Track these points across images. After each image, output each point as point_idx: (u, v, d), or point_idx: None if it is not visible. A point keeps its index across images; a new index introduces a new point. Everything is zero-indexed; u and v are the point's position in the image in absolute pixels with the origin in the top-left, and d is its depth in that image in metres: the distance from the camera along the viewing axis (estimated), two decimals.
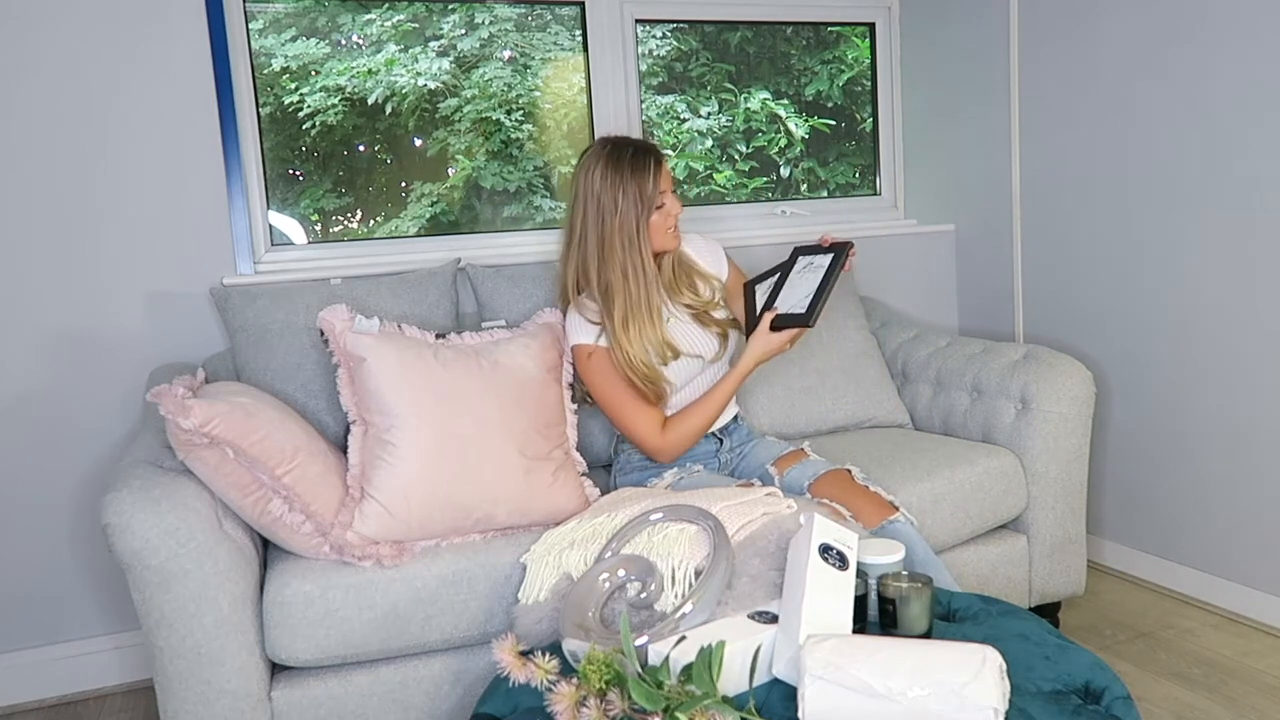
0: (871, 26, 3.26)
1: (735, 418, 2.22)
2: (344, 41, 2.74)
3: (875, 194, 3.33)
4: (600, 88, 2.88)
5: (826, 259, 2.03)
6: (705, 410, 2.04)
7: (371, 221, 2.83)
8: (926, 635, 1.43)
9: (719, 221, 3.07)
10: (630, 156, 2.00)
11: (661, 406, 2.06)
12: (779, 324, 2.00)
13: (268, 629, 1.70)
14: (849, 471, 2.02)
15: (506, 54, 2.88)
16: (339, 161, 2.77)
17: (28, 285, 2.29)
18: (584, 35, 2.88)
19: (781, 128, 3.25)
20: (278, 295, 2.17)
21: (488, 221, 2.90)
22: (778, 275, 2.11)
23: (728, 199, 3.18)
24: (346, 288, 2.21)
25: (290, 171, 2.72)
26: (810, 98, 3.27)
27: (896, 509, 1.92)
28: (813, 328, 1.97)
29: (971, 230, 3.10)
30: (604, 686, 1.22)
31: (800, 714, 1.19)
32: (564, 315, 2.09)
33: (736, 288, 2.22)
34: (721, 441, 2.17)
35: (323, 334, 1.92)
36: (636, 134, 2.93)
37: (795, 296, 2.02)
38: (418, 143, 2.84)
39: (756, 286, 2.15)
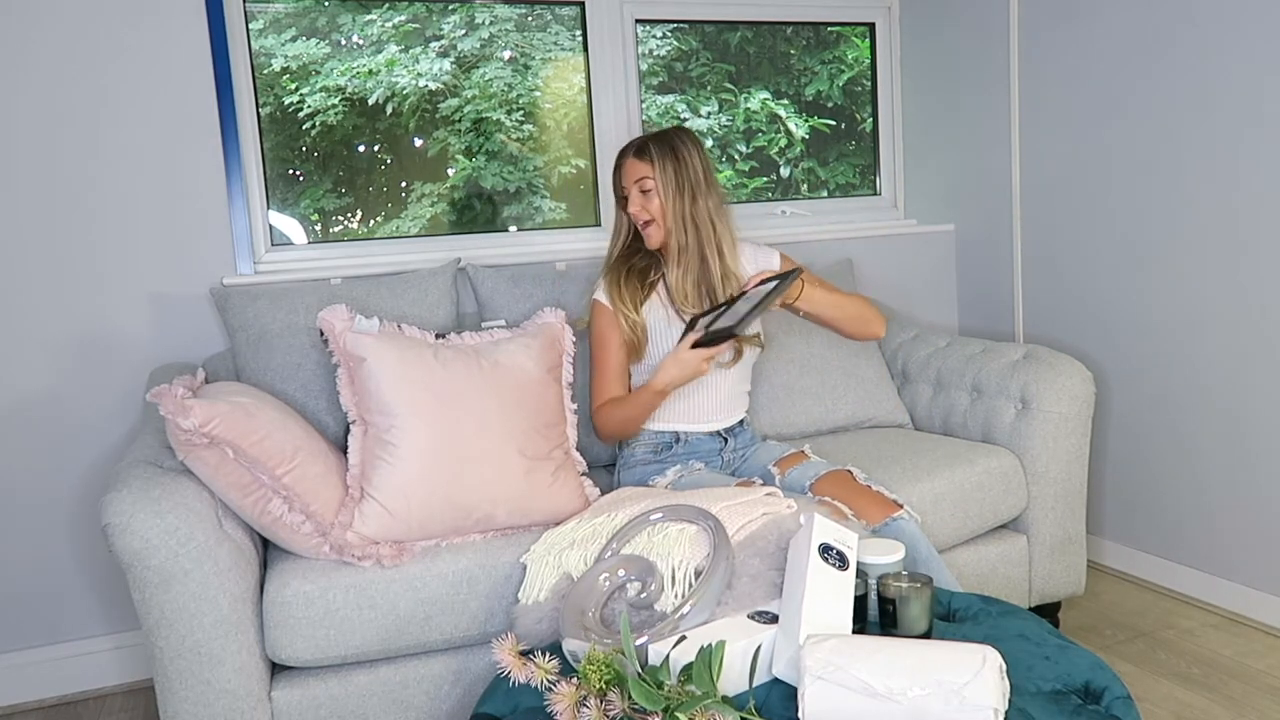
0: (871, 26, 3.26)
1: (741, 421, 2.23)
2: (344, 42, 2.74)
3: (875, 194, 3.33)
4: (600, 88, 2.88)
5: (770, 285, 2.00)
6: (628, 409, 2.08)
7: (371, 221, 2.83)
8: (926, 635, 1.43)
9: None
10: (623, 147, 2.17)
11: (626, 383, 2.15)
12: (705, 342, 1.96)
13: (268, 629, 1.70)
14: (850, 472, 2.02)
15: (507, 54, 2.88)
16: (339, 161, 2.77)
17: (28, 285, 2.29)
18: (584, 35, 2.88)
19: (781, 128, 3.25)
20: (278, 295, 2.17)
21: (488, 221, 2.90)
22: (724, 306, 2.07)
23: (728, 199, 3.18)
24: (346, 288, 2.21)
25: (290, 171, 2.72)
26: (810, 98, 3.26)
27: (900, 506, 1.92)
28: (740, 337, 1.96)
29: (971, 230, 3.10)
30: (604, 686, 1.22)
31: (800, 714, 1.19)
32: None
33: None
34: (726, 441, 2.18)
35: (322, 334, 1.92)
36: (636, 133, 2.93)
37: (732, 319, 2.00)
38: (418, 143, 2.84)
39: (701, 319, 2.07)
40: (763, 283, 2.03)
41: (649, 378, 2.05)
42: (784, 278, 1.98)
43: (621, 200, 2.16)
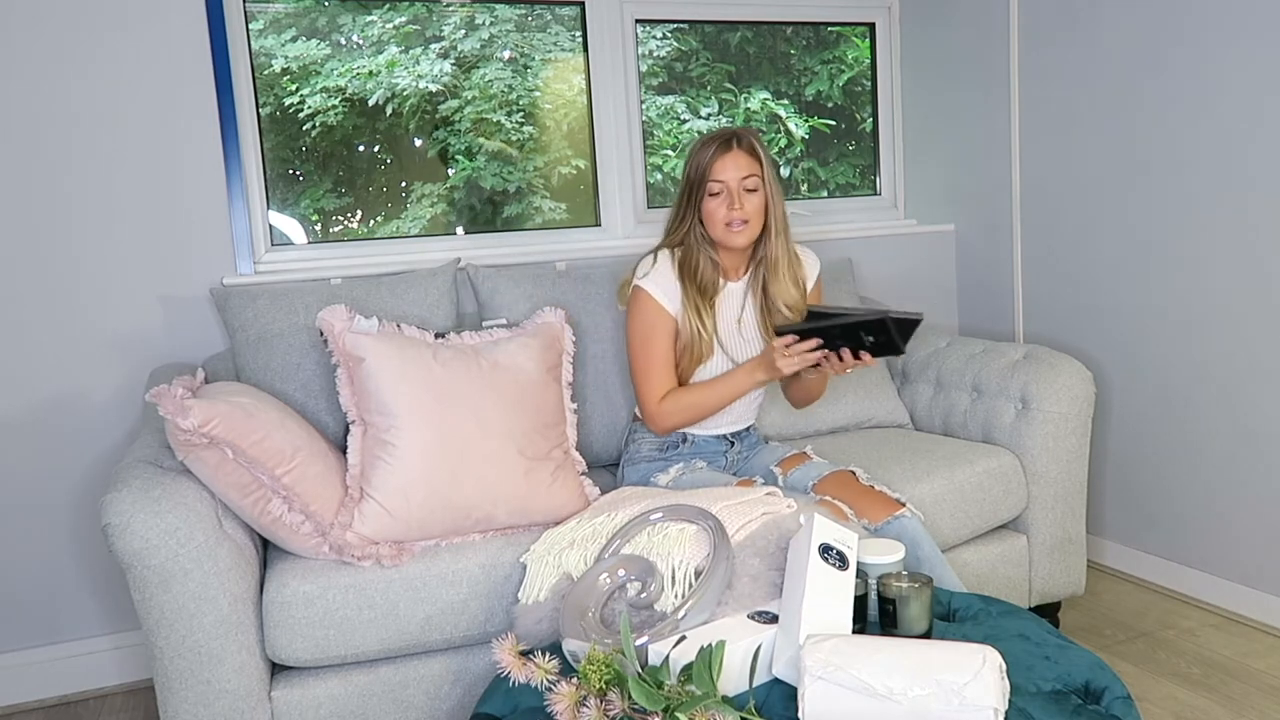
0: (871, 26, 3.26)
1: (749, 427, 2.23)
2: (344, 42, 2.74)
3: (875, 194, 3.33)
4: (600, 88, 2.88)
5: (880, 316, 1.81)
6: (707, 396, 2.04)
7: (371, 221, 2.83)
8: (926, 635, 1.43)
9: None
10: (714, 136, 2.04)
11: (679, 375, 2.08)
12: (805, 333, 1.88)
13: (267, 629, 1.70)
14: (853, 473, 2.02)
15: (507, 54, 2.88)
16: (339, 162, 2.77)
17: (27, 286, 2.29)
18: (584, 35, 2.88)
19: (781, 128, 3.25)
20: (278, 295, 2.17)
21: (487, 221, 2.90)
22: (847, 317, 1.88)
23: None
24: (346, 288, 2.21)
25: (290, 171, 2.72)
26: (810, 98, 3.26)
27: (902, 505, 1.91)
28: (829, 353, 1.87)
29: (971, 230, 3.10)
30: (604, 686, 1.22)
31: (800, 714, 1.19)
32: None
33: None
34: (732, 444, 2.18)
35: (322, 334, 1.92)
36: (636, 133, 2.94)
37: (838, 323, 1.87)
38: (418, 143, 2.84)
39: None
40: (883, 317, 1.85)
41: (731, 370, 2.05)
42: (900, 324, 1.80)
43: (710, 195, 2.01)
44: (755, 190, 2.01)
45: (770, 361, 1.94)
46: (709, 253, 2.06)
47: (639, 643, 1.34)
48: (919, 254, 3.14)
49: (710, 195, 2.01)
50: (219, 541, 1.64)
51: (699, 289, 2.04)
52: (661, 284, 2.04)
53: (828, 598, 1.36)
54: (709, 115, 3.15)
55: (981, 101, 2.97)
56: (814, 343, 1.88)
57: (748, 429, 2.23)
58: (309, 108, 2.69)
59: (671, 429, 2.09)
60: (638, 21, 2.96)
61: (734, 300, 2.11)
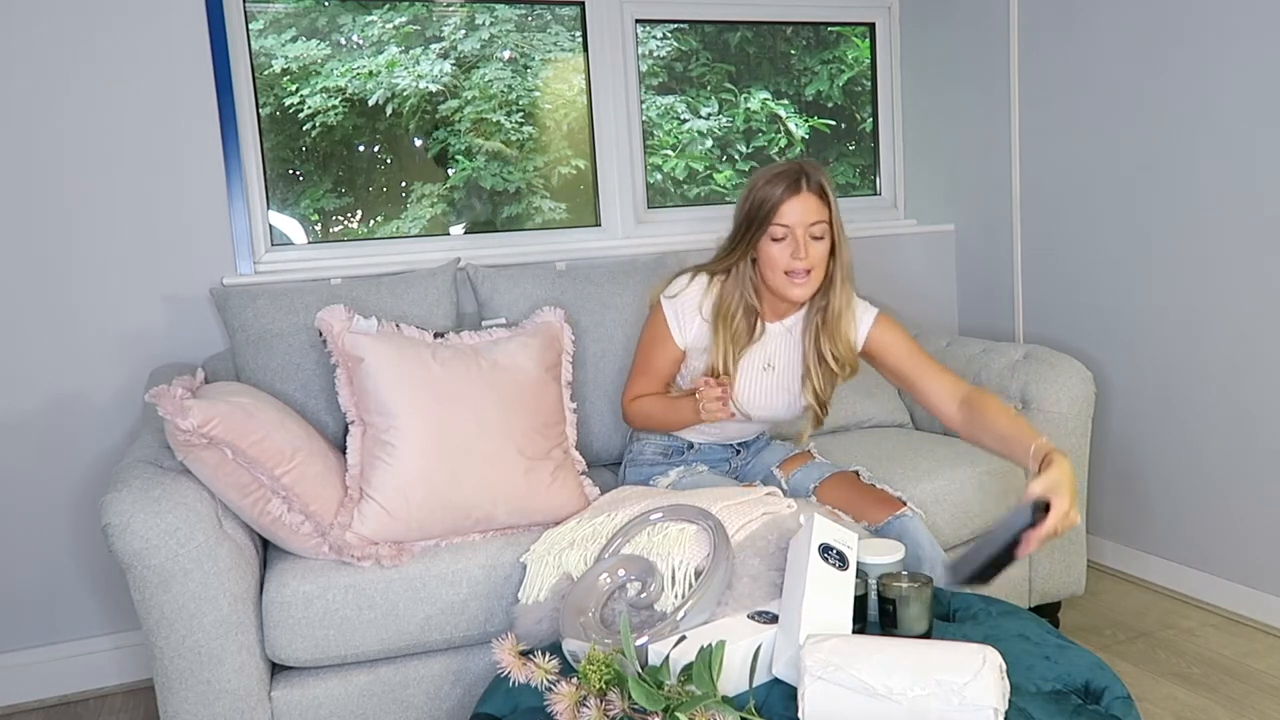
0: (871, 26, 3.26)
1: (759, 434, 2.22)
2: (344, 42, 2.74)
3: (875, 194, 3.33)
4: (600, 88, 2.88)
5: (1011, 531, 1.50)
6: (661, 416, 2.02)
7: (371, 221, 2.83)
8: (926, 635, 1.43)
9: (721, 221, 3.06)
10: (783, 173, 1.86)
11: (665, 387, 2.06)
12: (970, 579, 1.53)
13: (267, 629, 1.70)
14: (855, 473, 2.01)
15: (506, 54, 2.88)
16: (339, 162, 2.77)
17: (27, 286, 2.29)
18: (584, 35, 2.88)
19: (781, 128, 3.25)
20: (278, 295, 2.17)
21: (487, 221, 2.90)
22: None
23: (728, 199, 3.18)
24: (346, 288, 2.21)
25: (290, 171, 2.72)
26: (810, 98, 3.26)
27: (903, 503, 1.91)
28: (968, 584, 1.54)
29: (971, 230, 3.10)
30: (604, 686, 1.22)
31: (800, 714, 1.19)
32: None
33: (886, 359, 1.99)
34: (738, 451, 2.17)
35: (321, 334, 1.92)
36: (636, 133, 2.94)
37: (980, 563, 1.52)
38: (418, 143, 2.84)
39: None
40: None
41: (685, 398, 1.95)
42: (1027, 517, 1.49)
43: (774, 240, 1.86)
44: (822, 238, 1.86)
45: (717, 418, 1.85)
46: (749, 297, 1.93)
47: (639, 643, 1.34)
48: (919, 254, 3.14)
49: (773, 240, 1.86)
50: (219, 541, 1.64)
51: (731, 336, 1.92)
52: (681, 314, 1.97)
53: (828, 598, 1.36)
54: (709, 115, 3.15)
55: (981, 101, 2.97)
56: (722, 392, 1.80)
57: (757, 436, 2.22)
58: (309, 108, 2.69)
59: (636, 427, 2.12)
60: (638, 21, 2.96)
61: (771, 342, 1.99)
